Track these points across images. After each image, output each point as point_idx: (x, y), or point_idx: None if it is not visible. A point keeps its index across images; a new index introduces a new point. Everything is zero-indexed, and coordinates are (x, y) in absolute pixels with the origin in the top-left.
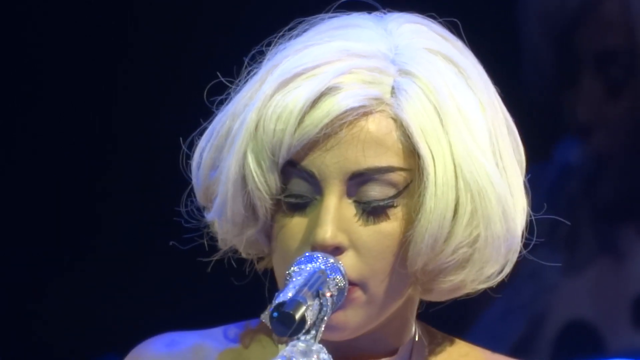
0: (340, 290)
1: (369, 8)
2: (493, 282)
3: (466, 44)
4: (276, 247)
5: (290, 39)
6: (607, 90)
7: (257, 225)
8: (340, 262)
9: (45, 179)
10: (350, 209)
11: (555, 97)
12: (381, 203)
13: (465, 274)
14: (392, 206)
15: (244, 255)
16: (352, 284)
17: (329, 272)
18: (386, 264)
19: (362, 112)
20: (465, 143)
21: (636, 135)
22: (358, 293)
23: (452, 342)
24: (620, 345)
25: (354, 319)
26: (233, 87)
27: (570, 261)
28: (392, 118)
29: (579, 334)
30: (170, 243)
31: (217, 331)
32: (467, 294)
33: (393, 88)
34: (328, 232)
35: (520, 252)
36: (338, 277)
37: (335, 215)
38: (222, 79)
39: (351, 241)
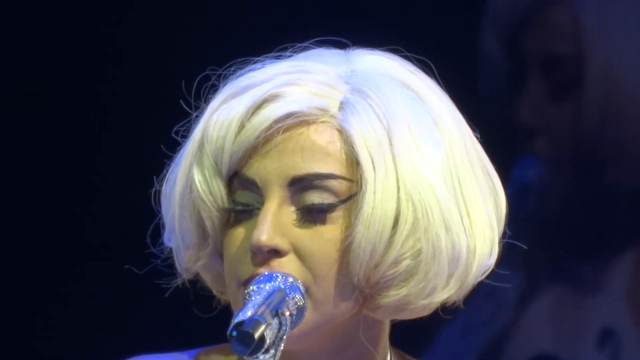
0: (300, 310)
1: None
2: (440, 300)
3: (438, 83)
4: (225, 260)
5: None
6: (552, 95)
7: (207, 244)
8: (299, 282)
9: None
10: (291, 214)
11: (509, 111)
12: (322, 208)
13: (408, 289)
14: (334, 213)
15: (212, 288)
16: None
17: (288, 291)
18: (328, 270)
19: (304, 120)
20: (412, 157)
21: (579, 142)
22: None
23: None
24: None
25: (302, 322)
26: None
27: (528, 282)
28: (337, 130)
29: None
30: (126, 266)
31: (187, 354)
32: (420, 318)
33: (342, 103)
34: (264, 233)
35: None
36: (297, 296)
37: (274, 219)
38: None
39: (292, 245)
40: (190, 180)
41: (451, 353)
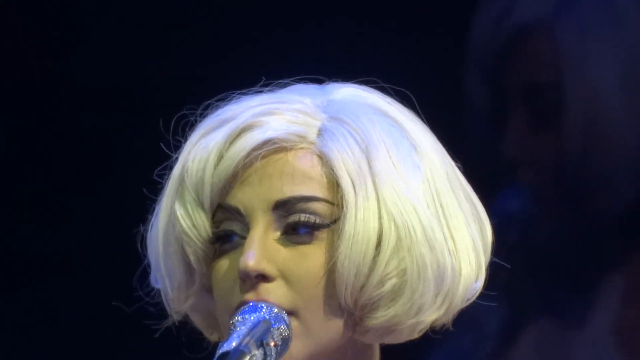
0: (284, 340)
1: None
2: (428, 320)
3: (420, 116)
4: (215, 294)
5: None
6: (533, 125)
7: (193, 280)
8: (284, 312)
9: None
10: (277, 239)
11: (492, 143)
12: (307, 230)
13: (395, 309)
14: (318, 235)
15: (202, 329)
16: (285, 312)
17: (273, 321)
18: (316, 293)
19: (282, 147)
20: (391, 178)
21: (561, 171)
22: (293, 323)
23: None
24: None
25: (295, 352)
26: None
27: (512, 314)
28: (317, 155)
29: None
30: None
31: None
32: (409, 341)
33: (320, 130)
34: (250, 258)
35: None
36: (282, 326)
37: (260, 244)
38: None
39: (279, 270)
40: (172, 216)
41: None
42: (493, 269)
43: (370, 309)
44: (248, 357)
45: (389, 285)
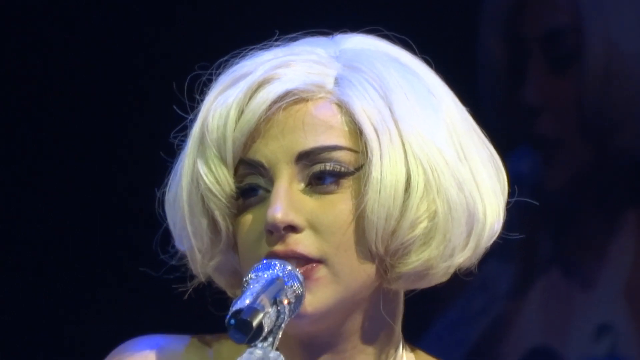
0: (298, 298)
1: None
2: (460, 262)
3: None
4: (241, 249)
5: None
6: (553, 71)
7: (220, 239)
8: (297, 270)
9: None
10: (302, 190)
11: (509, 99)
12: (331, 180)
13: (429, 252)
14: (344, 183)
15: (226, 290)
16: (315, 261)
17: (286, 279)
18: (345, 240)
19: (302, 98)
20: (414, 122)
21: (582, 114)
22: (322, 271)
23: None
24: None
25: (321, 300)
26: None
27: (522, 274)
28: (336, 104)
29: (537, 354)
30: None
31: (195, 338)
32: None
33: (336, 78)
34: (278, 211)
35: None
36: (295, 284)
37: (286, 196)
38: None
39: (307, 221)
40: (196, 174)
41: (442, 347)
42: (505, 227)
43: (402, 254)
44: (262, 314)
45: (420, 228)
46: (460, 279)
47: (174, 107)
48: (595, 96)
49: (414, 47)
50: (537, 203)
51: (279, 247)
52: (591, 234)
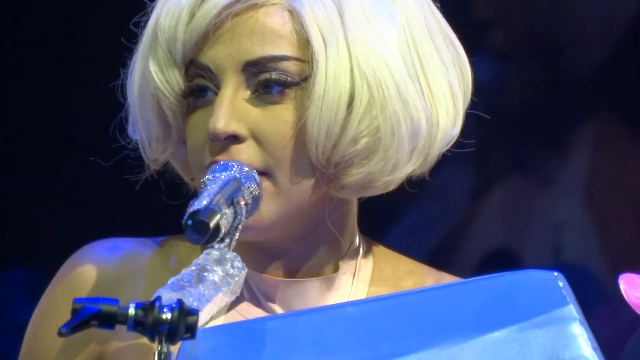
0: (255, 199)
1: None
2: (404, 174)
3: None
4: (189, 151)
5: None
6: None
7: (171, 134)
8: (254, 171)
9: None
10: (247, 99)
11: (464, 12)
12: (278, 89)
13: (371, 166)
14: (289, 94)
15: (182, 175)
16: (258, 173)
17: (243, 180)
18: (287, 153)
19: (253, 4)
20: (364, 34)
21: (532, 31)
22: (265, 183)
23: (396, 258)
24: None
25: (266, 213)
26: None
27: (481, 177)
28: (288, 11)
29: (495, 256)
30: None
31: (153, 240)
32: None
33: None
34: (220, 120)
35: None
36: (253, 185)
37: (230, 105)
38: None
39: (250, 130)
40: (146, 72)
41: (400, 251)
42: (463, 132)
43: (344, 167)
44: (219, 215)
45: (362, 143)
46: (417, 185)
47: None
48: (544, 15)
49: None
50: (488, 117)
51: (221, 157)
52: (549, 133)
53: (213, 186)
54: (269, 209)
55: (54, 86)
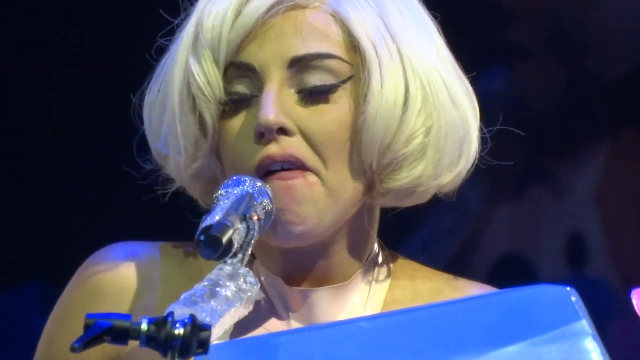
0: (267, 214)
1: None
2: (446, 182)
3: None
4: (228, 155)
5: None
6: None
7: (206, 140)
8: (267, 186)
9: None
10: (292, 96)
11: (488, 2)
12: (323, 89)
13: (421, 168)
14: (335, 94)
15: (199, 199)
16: (307, 169)
17: (256, 195)
18: (338, 152)
19: (298, 4)
20: (409, 39)
21: (557, 31)
22: (314, 178)
23: (413, 266)
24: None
25: (309, 212)
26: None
27: (492, 189)
28: (331, 14)
29: (509, 266)
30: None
31: (172, 245)
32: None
33: None
34: (270, 112)
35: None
36: (265, 200)
37: (277, 99)
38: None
39: (298, 127)
40: (188, 72)
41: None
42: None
43: (393, 169)
44: (231, 230)
45: (414, 144)
46: (430, 200)
47: (160, 10)
48: (570, 12)
49: None
50: (517, 130)
51: (274, 149)
52: (564, 142)
53: (226, 201)
54: (314, 208)
55: (83, 107)
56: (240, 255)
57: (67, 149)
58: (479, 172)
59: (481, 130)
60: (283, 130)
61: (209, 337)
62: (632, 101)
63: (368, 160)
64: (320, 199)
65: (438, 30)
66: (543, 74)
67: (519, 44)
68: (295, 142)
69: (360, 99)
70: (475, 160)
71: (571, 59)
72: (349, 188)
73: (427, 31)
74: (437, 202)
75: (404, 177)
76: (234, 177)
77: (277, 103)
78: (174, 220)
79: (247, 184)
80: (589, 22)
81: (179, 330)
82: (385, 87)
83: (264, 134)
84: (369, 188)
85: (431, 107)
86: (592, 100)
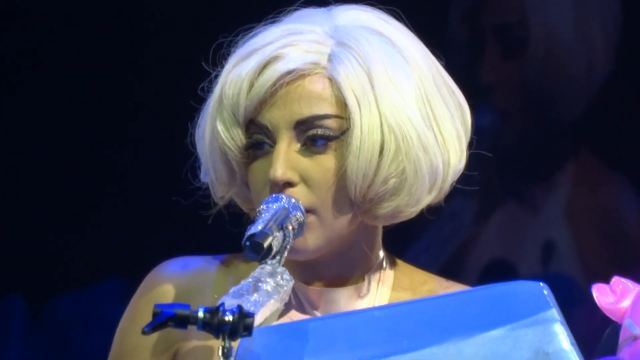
0: (300, 224)
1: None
2: (425, 205)
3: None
4: (251, 190)
5: (256, 31)
6: (503, 56)
7: (235, 179)
8: (300, 202)
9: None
10: (298, 150)
11: (469, 75)
12: (321, 142)
13: (398, 200)
14: (332, 146)
15: (242, 207)
16: (306, 211)
17: (291, 209)
18: (330, 193)
19: (300, 74)
20: (389, 94)
21: (526, 91)
22: (311, 218)
23: (413, 270)
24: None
25: (312, 241)
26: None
27: (483, 205)
28: (328, 78)
29: (495, 267)
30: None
31: (218, 258)
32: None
33: (330, 55)
34: (278, 170)
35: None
36: (298, 213)
37: (285, 157)
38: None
39: (301, 177)
40: (215, 130)
41: (418, 265)
42: (469, 169)
43: (377, 202)
44: (271, 237)
45: (391, 183)
46: (433, 211)
47: (202, 63)
48: (538, 77)
49: (401, 14)
50: (490, 155)
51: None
52: (539, 169)
53: (266, 214)
54: (315, 237)
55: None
56: (278, 257)
57: (148, 169)
58: (471, 192)
59: (470, 157)
60: (288, 183)
61: (253, 322)
62: (591, 135)
63: (353, 197)
64: (317, 230)
65: (439, 59)
66: (519, 120)
67: (498, 102)
68: (296, 191)
69: (345, 151)
70: (452, 184)
71: (540, 108)
72: (340, 218)
73: (408, 78)
74: (436, 215)
75: (386, 207)
76: (273, 195)
77: (284, 160)
78: (222, 232)
79: (283, 200)
80: (552, 78)
81: (229, 317)
82: (364, 142)
83: (274, 186)
84: (363, 213)
85: (403, 154)
86: (560, 136)
